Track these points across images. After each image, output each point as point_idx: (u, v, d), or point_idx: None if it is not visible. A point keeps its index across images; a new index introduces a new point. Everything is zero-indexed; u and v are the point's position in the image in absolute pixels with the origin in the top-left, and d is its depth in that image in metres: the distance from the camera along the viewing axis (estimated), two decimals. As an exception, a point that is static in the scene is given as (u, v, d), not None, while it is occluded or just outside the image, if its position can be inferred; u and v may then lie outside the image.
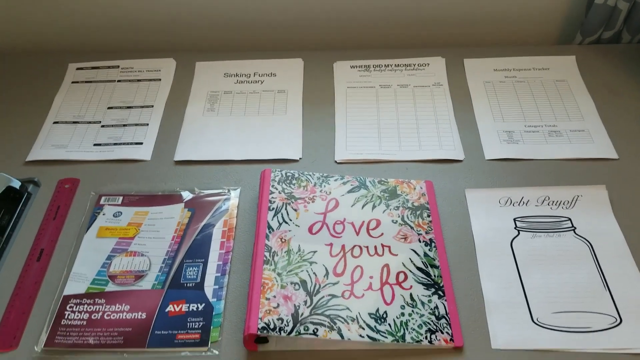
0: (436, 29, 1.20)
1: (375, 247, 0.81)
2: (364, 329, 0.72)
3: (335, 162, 0.96)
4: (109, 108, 1.07)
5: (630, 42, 1.16)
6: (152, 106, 1.07)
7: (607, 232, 0.84)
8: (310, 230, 0.83)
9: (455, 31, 1.21)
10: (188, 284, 0.79)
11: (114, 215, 0.88)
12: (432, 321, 0.74)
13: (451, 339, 0.72)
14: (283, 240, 0.81)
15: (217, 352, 0.73)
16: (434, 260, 0.80)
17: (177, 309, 0.77)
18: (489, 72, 1.11)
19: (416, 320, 0.73)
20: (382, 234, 0.83)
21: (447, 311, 0.75)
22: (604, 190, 0.89)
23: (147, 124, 1.03)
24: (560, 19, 1.19)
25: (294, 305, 0.73)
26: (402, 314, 0.74)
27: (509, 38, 1.23)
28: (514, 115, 1.02)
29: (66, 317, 0.76)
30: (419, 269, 0.79)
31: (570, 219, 0.85)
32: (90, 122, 1.04)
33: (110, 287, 0.79)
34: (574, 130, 0.99)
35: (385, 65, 1.13)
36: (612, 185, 0.90)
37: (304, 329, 0.71)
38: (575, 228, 0.84)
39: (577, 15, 1.18)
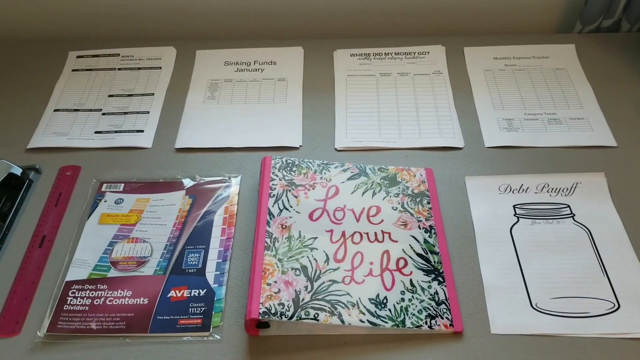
0: (436, 17, 1.20)
1: (376, 234, 0.82)
2: (364, 314, 0.73)
3: (336, 149, 0.97)
4: (109, 96, 1.07)
5: (629, 30, 1.16)
6: (153, 94, 1.07)
7: (606, 219, 0.85)
8: (310, 216, 0.83)
9: (455, 19, 1.21)
10: (190, 270, 0.80)
11: (115, 202, 0.89)
12: (432, 306, 0.74)
13: (451, 324, 0.73)
14: (284, 226, 0.81)
15: (218, 337, 0.74)
16: (434, 246, 0.81)
17: (179, 295, 0.77)
18: (489, 60, 1.11)
19: (416, 306, 0.74)
20: (382, 220, 0.83)
21: (447, 297, 0.76)
22: (603, 178, 0.89)
23: (148, 112, 1.04)
24: (560, 8, 1.19)
25: (295, 290, 0.74)
26: (402, 300, 0.75)
27: (509, 26, 1.23)
28: (513, 103, 1.02)
29: (68, 302, 0.77)
30: (419, 255, 0.80)
31: (569, 206, 0.86)
32: (91, 110, 1.04)
33: (112, 273, 0.80)
34: (573, 118, 0.99)
35: (385, 53, 1.13)
36: (610, 172, 0.90)
37: (305, 314, 0.71)
38: (574, 215, 0.85)
39: (576, 3, 1.18)
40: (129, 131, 1.00)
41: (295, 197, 0.85)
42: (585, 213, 0.85)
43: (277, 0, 1.17)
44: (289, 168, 0.89)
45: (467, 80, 1.07)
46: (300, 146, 0.97)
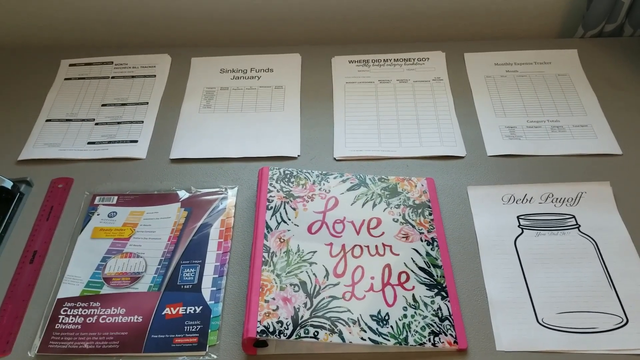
0: (436, 22, 1.18)
1: (376, 247, 0.79)
2: (365, 331, 0.70)
3: (335, 159, 0.94)
4: (102, 105, 1.05)
5: (632, 35, 1.15)
6: (147, 103, 1.05)
7: (612, 230, 0.82)
8: (309, 229, 0.81)
9: (455, 24, 1.19)
10: (185, 286, 0.78)
11: (108, 216, 0.86)
12: (435, 323, 0.72)
13: (455, 341, 0.71)
14: (282, 240, 0.79)
15: (215, 357, 0.71)
16: (437, 259, 0.79)
17: (174, 312, 0.75)
18: (489, 66, 1.09)
19: (419, 322, 0.72)
20: (383, 233, 0.81)
21: (451, 312, 0.73)
22: (608, 187, 0.87)
23: (142, 122, 1.01)
24: (561, 12, 1.17)
25: (294, 307, 0.72)
26: (405, 316, 0.72)
27: (510, 31, 1.21)
28: (515, 111, 1.00)
29: (60, 321, 0.74)
30: (421, 268, 0.77)
31: (574, 217, 0.84)
32: (83, 120, 1.02)
33: (106, 290, 0.77)
34: (577, 125, 0.97)
35: (384, 59, 1.11)
36: (616, 181, 0.88)
37: (304, 332, 0.69)
38: (579, 226, 0.83)
39: (578, 8, 1.16)
40: (122, 141, 0.98)
41: (294, 209, 0.83)
42: (591, 224, 0.83)
43: (274, 6, 1.15)
44: (286, 179, 0.87)
45: (467, 86, 1.05)
46: (298, 156, 0.95)
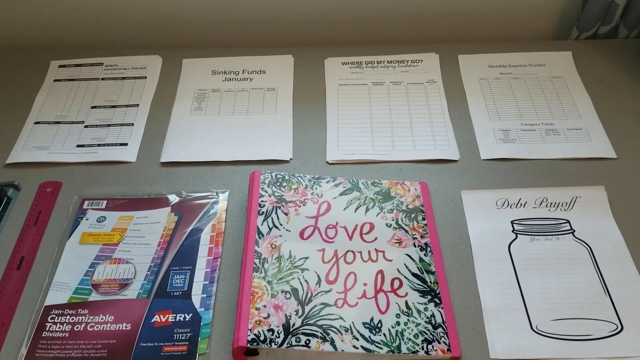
0: (430, 24, 1.17)
1: (369, 253, 0.78)
2: (358, 339, 0.69)
3: (327, 162, 0.93)
4: (92, 107, 1.03)
5: (627, 37, 1.14)
6: (138, 105, 1.03)
7: (607, 235, 0.82)
8: (301, 235, 0.80)
9: (449, 26, 1.18)
10: (175, 293, 0.76)
11: (97, 220, 0.85)
12: (428, 330, 0.71)
13: (448, 349, 0.70)
14: (273, 246, 0.78)
15: (205, 365, 0.70)
16: (430, 265, 0.78)
17: (163, 320, 0.74)
18: (484, 68, 1.08)
19: (412, 330, 0.71)
20: (376, 238, 0.80)
21: (444, 319, 0.72)
22: (603, 191, 0.86)
23: (132, 124, 1.00)
24: (556, 14, 1.16)
25: (285, 315, 0.70)
26: (398, 323, 0.71)
27: (504, 33, 1.20)
28: (510, 113, 0.99)
29: (47, 328, 0.73)
30: (414, 275, 0.76)
31: (569, 221, 0.83)
32: (73, 122, 1.01)
33: (94, 297, 0.76)
34: (572, 128, 0.96)
35: (377, 61, 1.10)
36: (610, 185, 0.87)
37: (296, 341, 0.68)
38: (574, 231, 0.82)
39: (573, 9, 1.15)
40: (112, 144, 0.96)
41: (285, 214, 0.82)
42: (586, 228, 0.82)
43: (266, 7, 1.14)
44: (278, 183, 0.86)
45: (461, 89, 1.04)
46: (290, 159, 0.94)
